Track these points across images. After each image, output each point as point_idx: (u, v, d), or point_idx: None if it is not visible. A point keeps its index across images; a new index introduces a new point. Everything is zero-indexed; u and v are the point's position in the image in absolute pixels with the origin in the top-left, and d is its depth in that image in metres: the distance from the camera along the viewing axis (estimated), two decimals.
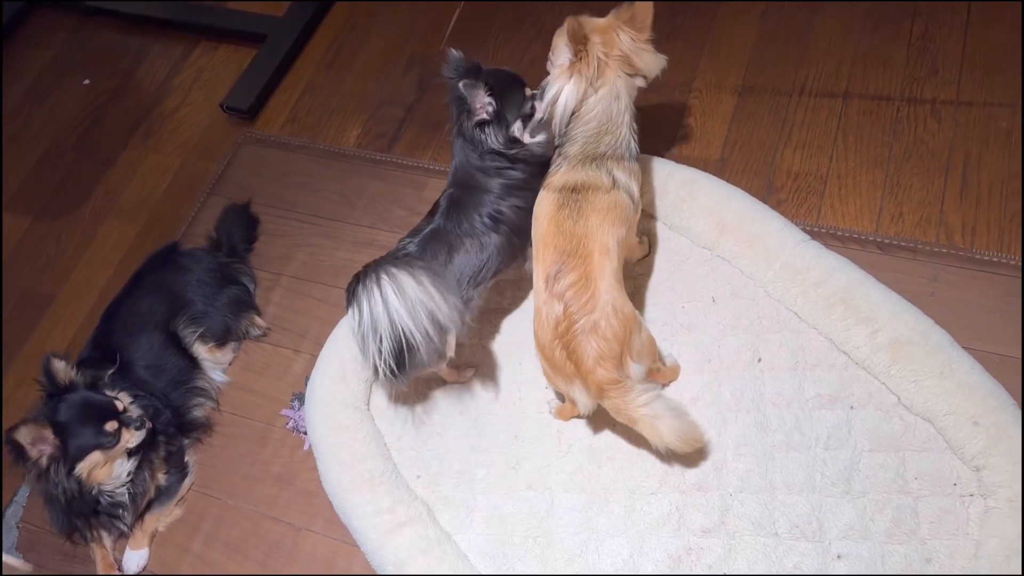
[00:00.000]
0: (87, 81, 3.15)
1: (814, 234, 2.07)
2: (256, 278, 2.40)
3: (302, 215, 2.51)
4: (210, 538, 2.04)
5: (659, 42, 2.53)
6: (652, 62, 1.79)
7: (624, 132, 1.78)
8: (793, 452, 1.81)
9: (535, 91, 1.89)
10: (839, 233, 2.09)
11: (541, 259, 1.72)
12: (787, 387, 1.89)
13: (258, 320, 2.30)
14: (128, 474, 1.98)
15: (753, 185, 2.23)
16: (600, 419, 1.91)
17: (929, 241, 2.04)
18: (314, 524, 1.98)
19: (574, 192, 1.73)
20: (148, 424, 1.98)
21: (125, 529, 2.03)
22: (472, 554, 1.85)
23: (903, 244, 2.04)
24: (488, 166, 1.87)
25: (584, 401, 1.70)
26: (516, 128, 1.87)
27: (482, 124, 1.83)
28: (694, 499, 1.81)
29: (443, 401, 2.05)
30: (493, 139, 1.85)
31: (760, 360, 1.94)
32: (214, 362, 2.25)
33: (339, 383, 2.05)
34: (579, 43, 1.73)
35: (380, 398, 2.09)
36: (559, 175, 1.78)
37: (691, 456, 1.85)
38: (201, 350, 2.23)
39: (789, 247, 2.02)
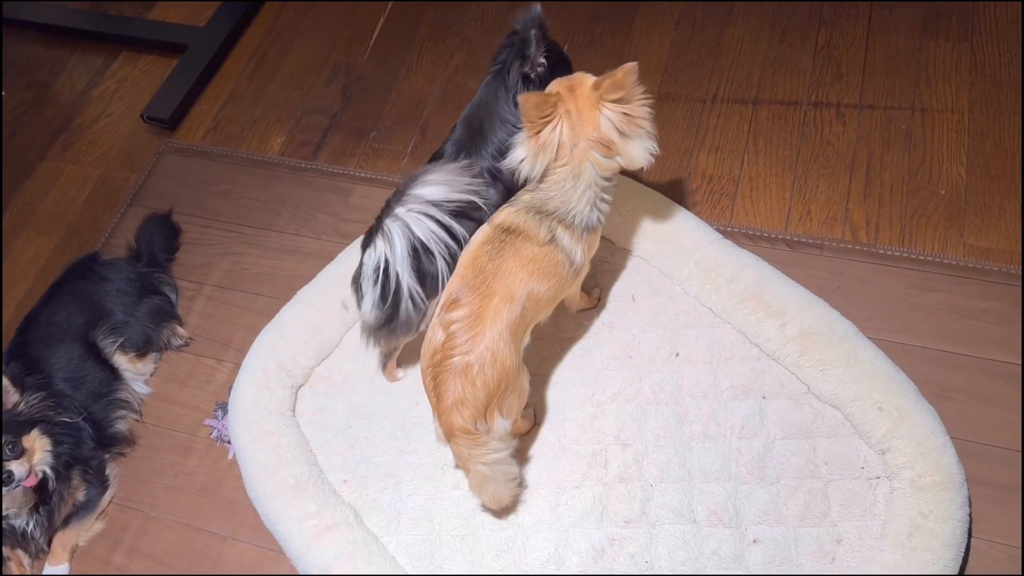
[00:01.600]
0: (2, 93, 3.08)
1: (727, 233, 2.15)
2: (178, 287, 2.37)
3: (225, 223, 2.49)
4: (132, 551, 2.00)
5: (578, 49, 2.63)
6: (636, 153, 1.67)
7: (579, 207, 1.69)
8: (710, 442, 1.87)
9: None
10: (750, 232, 2.17)
11: (448, 285, 1.69)
12: (703, 380, 1.95)
13: (180, 330, 2.27)
14: (22, 509, 1.93)
15: (670, 188, 2.30)
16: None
17: (835, 238, 2.13)
18: (239, 532, 1.96)
19: (506, 232, 1.67)
20: (21, 482, 1.87)
21: (43, 546, 1.98)
22: (400, 555, 1.85)
23: (811, 241, 2.13)
24: (505, 116, 1.83)
25: (438, 435, 1.69)
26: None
27: (526, 79, 1.79)
28: (616, 491, 1.85)
29: (370, 405, 2.06)
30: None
31: (678, 355, 2.00)
32: (135, 373, 2.22)
33: (263, 390, 2.04)
34: (536, 120, 1.63)
35: (305, 404, 2.08)
36: (503, 213, 1.73)
37: (613, 449, 1.90)
38: (122, 361, 2.19)
39: (703, 246, 2.09)
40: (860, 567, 1.67)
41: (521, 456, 1.92)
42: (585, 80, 1.68)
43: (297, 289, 2.22)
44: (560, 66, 1.83)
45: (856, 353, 1.87)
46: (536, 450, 1.93)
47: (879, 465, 1.78)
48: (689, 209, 2.20)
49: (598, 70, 1.77)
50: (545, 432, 1.95)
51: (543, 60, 1.79)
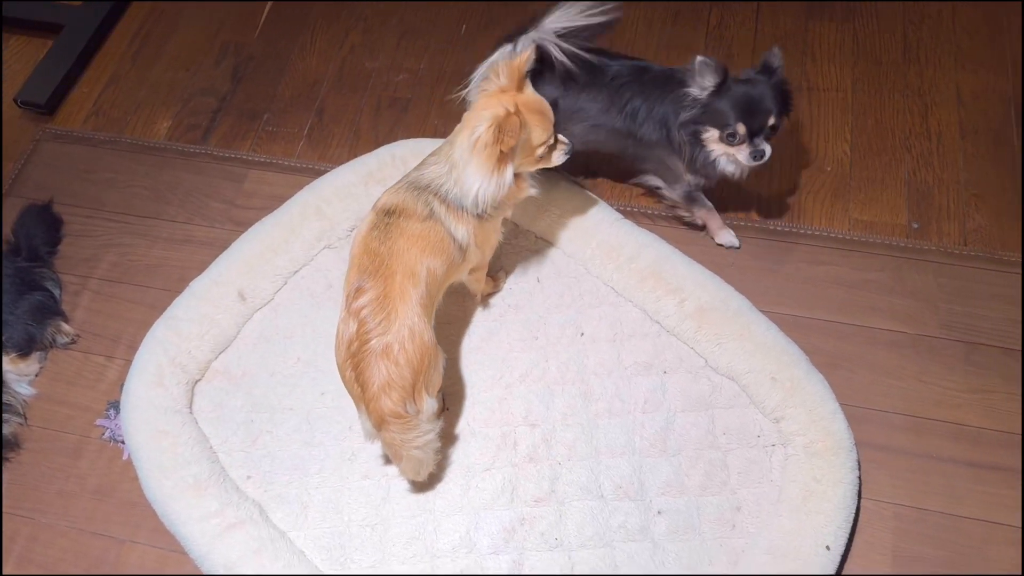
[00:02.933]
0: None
1: (627, 213, 2.18)
2: (61, 282, 2.24)
3: (110, 213, 2.37)
4: (23, 560, 1.89)
5: (472, 36, 2.62)
6: (467, 175, 1.67)
7: (448, 183, 1.70)
8: (615, 418, 1.91)
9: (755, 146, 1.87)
10: (649, 211, 2.21)
11: (347, 280, 1.68)
12: (607, 358, 1.98)
13: (65, 327, 2.15)
14: None
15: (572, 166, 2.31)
16: None
17: (729, 215, 2.19)
18: (138, 535, 1.89)
19: (388, 215, 1.69)
20: None
21: None
22: (309, 549, 1.82)
23: None
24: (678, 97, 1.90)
25: (367, 429, 1.68)
26: (710, 135, 1.88)
27: (689, 99, 1.87)
28: (526, 471, 1.87)
29: (272, 398, 2.00)
30: (686, 111, 1.88)
31: (583, 334, 2.03)
32: (18, 374, 2.09)
33: (156, 387, 1.96)
34: (496, 74, 1.69)
35: (203, 400, 2.01)
36: (383, 195, 1.74)
37: (522, 430, 1.92)
38: (2, 362, 2.06)
39: (605, 226, 2.12)
40: (759, 532, 1.74)
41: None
42: (536, 102, 1.71)
43: (190, 280, 2.13)
44: (724, 98, 1.84)
45: (750, 326, 1.94)
46: (445, 435, 1.92)
47: (774, 433, 1.86)
48: (591, 189, 2.23)
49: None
50: (454, 417, 1.95)
51: (712, 88, 1.83)
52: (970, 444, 1.84)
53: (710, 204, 2.09)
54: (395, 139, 2.35)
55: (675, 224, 2.18)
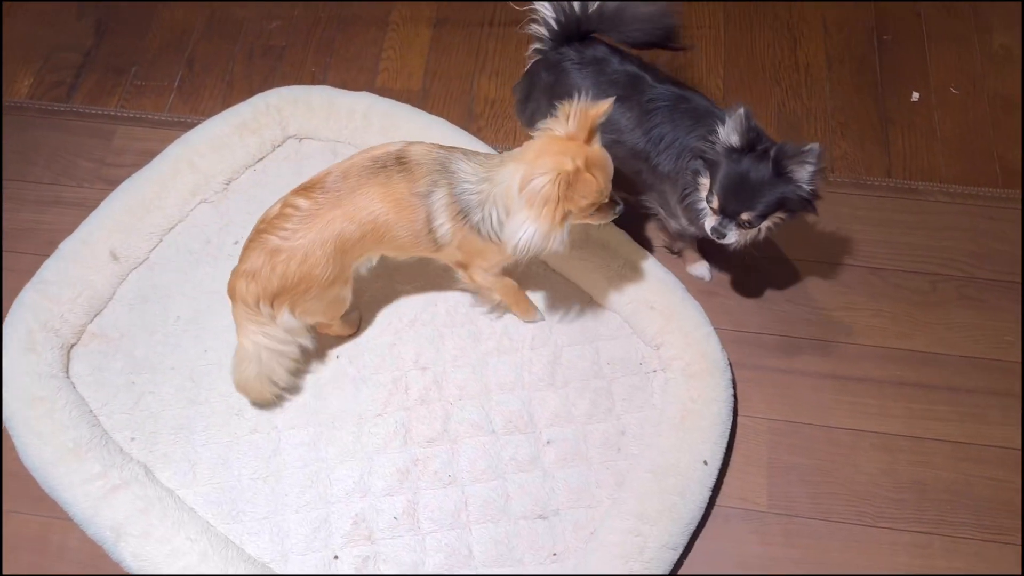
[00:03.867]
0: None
1: None
2: None
3: None
4: None
5: None
6: (513, 222, 1.55)
7: (472, 188, 1.64)
8: (504, 356, 1.94)
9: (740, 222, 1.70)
10: None
11: (328, 169, 1.70)
12: None
13: None
14: None
15: (455, 113, 2.31)
16: (323, 351, 1.94)
17: None
18: (19, 505, 1.83)
19: (397, 161, 1.67)
20: None
21: None
22: (199, 505, 1.80)
23: None
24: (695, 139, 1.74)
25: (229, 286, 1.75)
26: (704, 182, 1.71)
27: (713, 135, 1.67)
28: (418, 413, 1.89)
29: (153, 358, 1.96)
30: (705, 142, 1.70)
31: None
32: None
33: (29, 354, 1.89)
34: (570, 109, 1.56)
35: (80, 364, 1.95)
36: (418, 144, 1.71)
37: (413, 374, 1.93)
38: None
39: None
40: (642, 453, 1.81)
41: (322, 391, 1.91)
42: (602, 158, 1.61)
43: (60, 243, 2.05)
44: (731, 161, 1.64)
45: (630, 257, 1.99)
46: (337, 384, 1.92)
47: (655, 359, 1.92)
48: (475, 134, 2.23)
49: None
50: (344, 366, 1.94)
51: (735, 136, 1.63)
52: (837, 359, 1.95)
53: (694, 246, 2.05)
54: (270, 88, 2.30)
55: None
